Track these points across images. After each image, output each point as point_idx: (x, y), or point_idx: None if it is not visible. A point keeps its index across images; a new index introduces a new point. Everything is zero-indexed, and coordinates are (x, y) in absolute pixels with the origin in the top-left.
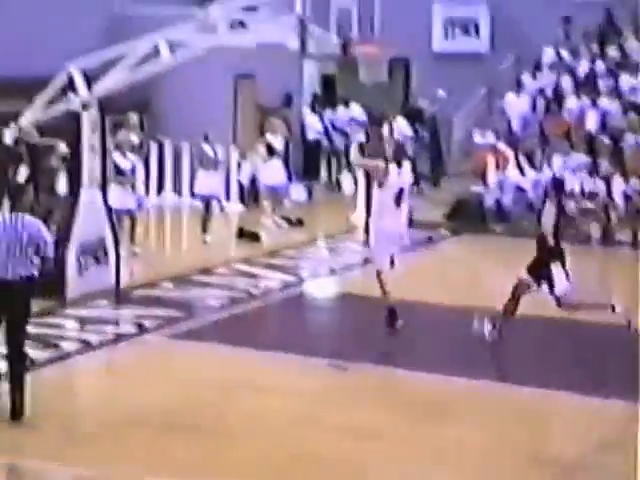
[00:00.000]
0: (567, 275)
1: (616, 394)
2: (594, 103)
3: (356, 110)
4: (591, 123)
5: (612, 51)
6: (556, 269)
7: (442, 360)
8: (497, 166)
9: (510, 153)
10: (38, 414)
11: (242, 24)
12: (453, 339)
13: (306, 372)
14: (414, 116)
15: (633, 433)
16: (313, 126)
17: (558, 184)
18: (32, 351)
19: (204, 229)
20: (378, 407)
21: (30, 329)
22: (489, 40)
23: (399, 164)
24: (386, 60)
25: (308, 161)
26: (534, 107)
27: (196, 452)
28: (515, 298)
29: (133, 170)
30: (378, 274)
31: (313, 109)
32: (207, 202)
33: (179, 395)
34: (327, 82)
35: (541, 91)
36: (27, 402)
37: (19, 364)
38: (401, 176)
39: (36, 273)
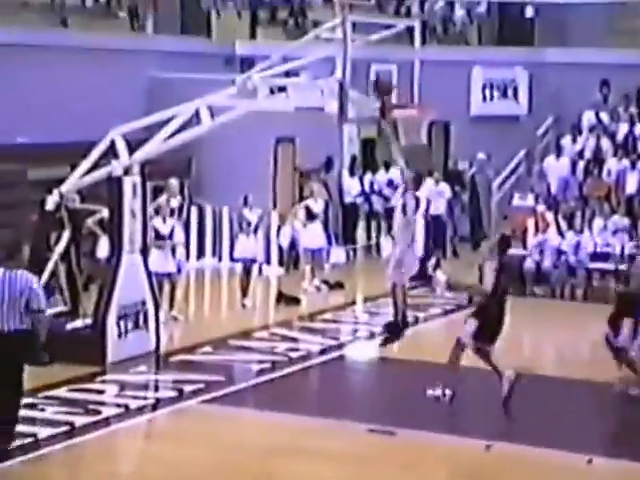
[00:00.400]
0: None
1: None
2: (634, 165)
3: (395, 173)
4: (631, 185)
5: None
6: (469, 324)
7: (480, 424)
8: (537, 229)
9: (550, 216)
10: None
11: (282, 89)
12: (492, 402)
13: (346, 437)
14: (454, 178)
15: None
16: (352, 189)
17: (502, 241)
18: (73, 417)
19: (244, 293)
20: (420, 472)
21: (71, 394)
22: (527, 103)
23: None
24: (425, 123)
25: (347, 224)
26: (574, 170)
27: None
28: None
29: (172, 234)
30: (394, 287)
31: (352, 172)
32: (247, 266)
33: (218, 460)
34: (367, 145)
35: (581, 154)
36: (70, 467)
37: (10, 423)
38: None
39: (27, 327)
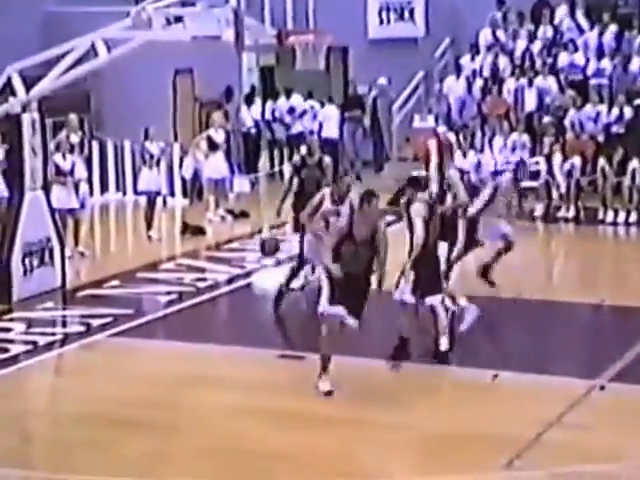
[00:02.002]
0: None
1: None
2: (531, 83)
3: (296, 100)
4: (530, 103)
5: (546, 29)
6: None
7: (387, 346)
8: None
9: (451, 136)
10: None
11: (178, 19)
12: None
13: (257, 364)
14: (354, 103)
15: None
16: (252, 118)
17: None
18: None
19: (149, 226)
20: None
21: None
22: (424, 24)
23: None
24: (322, 48)
25: (249, 153)
26: (472, 89)
27: (149, 449)
28: None
29: (73, 170)
30: None
31: (250, 101)
32: (151, 199)
33: (129, 393)
34: (266, 73)
35: (480, 73)
36: None
37: None
38: None
39: None
